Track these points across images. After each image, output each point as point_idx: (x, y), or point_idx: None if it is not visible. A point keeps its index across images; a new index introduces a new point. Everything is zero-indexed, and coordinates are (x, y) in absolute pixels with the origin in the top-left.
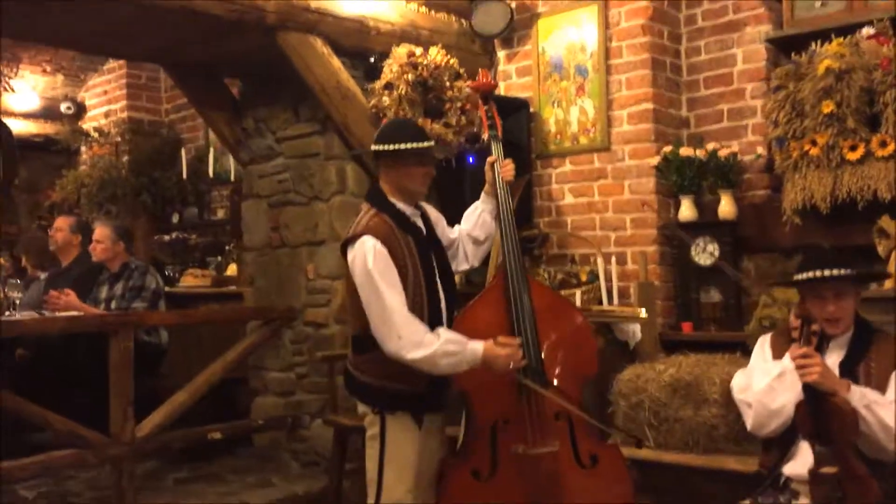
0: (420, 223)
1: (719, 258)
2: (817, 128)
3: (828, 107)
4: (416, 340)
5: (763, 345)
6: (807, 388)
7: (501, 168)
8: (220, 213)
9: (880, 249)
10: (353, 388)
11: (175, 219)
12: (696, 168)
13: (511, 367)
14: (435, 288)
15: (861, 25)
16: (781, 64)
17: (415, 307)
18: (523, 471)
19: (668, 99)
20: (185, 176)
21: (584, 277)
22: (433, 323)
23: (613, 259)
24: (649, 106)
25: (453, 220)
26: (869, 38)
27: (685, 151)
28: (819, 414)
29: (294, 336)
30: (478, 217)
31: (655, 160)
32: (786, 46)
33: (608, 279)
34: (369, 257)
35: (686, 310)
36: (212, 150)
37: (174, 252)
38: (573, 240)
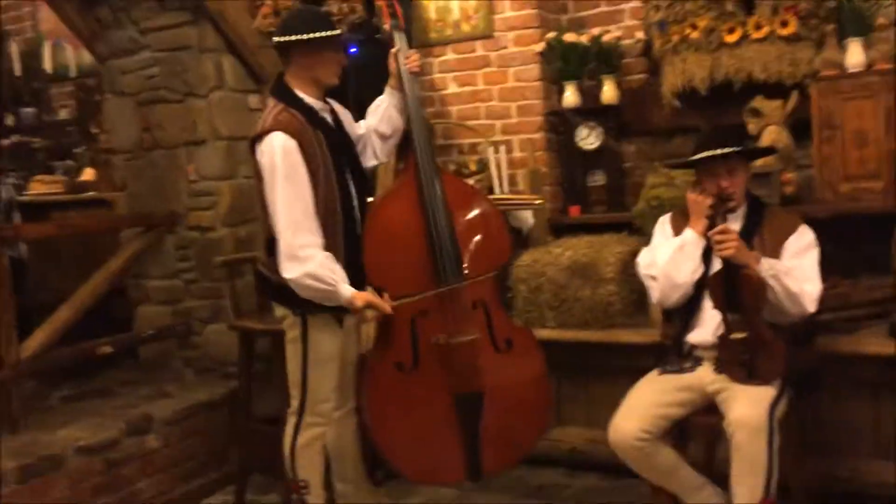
0: (329, 118)
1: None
2: (698, 11)
3: None
4: (288, 254)
5: (664, 224)
6: (723, 261)
7: (406, 60)
8: (63, 113)
9: (751, 128)
10: (271, 290)
11: (10, 121)
12: (579, 54)
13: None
14: (347, 184)
15: None
16: None
17: (328, 204)
18: (444, 359)
19: None
20: (17, 73)
21: (473, 167)
22: (347, 220)
23: (503, 148)
24: None
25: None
26: None
27: (569, 38)
28: (732, 285)
29: (178, 242)
30: (384, 112)
31: (540, 47)
32: None
33: (498, 168)
34: (278, 153)
35: (573, 194)
36: (45, 42)
37: (15, 158)
38: (459, 130)
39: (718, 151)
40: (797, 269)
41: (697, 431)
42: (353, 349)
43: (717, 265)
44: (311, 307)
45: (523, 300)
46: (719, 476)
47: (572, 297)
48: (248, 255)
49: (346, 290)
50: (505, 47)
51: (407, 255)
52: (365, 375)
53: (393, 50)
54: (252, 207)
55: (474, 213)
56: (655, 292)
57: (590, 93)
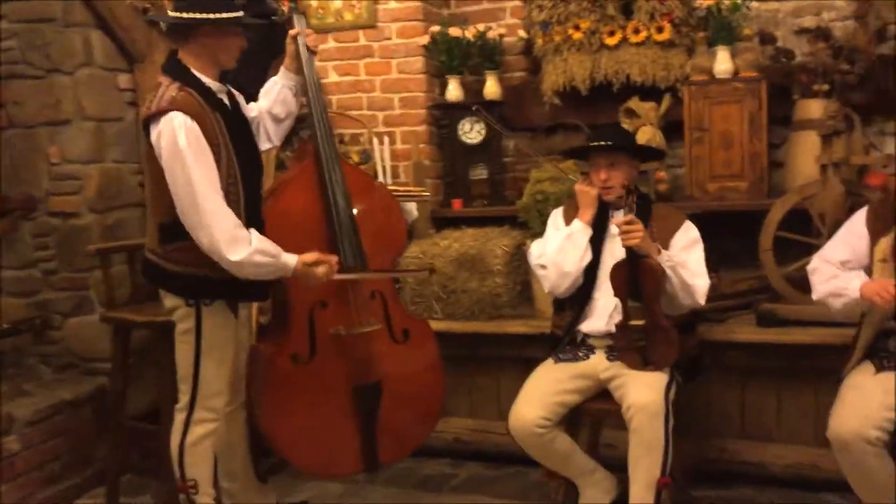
0: (226, 100)
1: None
2: (580, 13)
3: None
4: (234, 237)
5: (556, 216)
6: (627, 250)
7: (307, 41)
8: None
9: (625, 127)
10: (162, 280)
11: None
12: (463, 49)
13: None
14: (246, 169)
15: None
16: None
17: (230, 189)
18: (342, 351)
19: None
20: None
21: (356, 158)
22: (249, 207)
23: (387, 139)
24: None
25: None
26: None
27: (454, 32)
28: (633, 274)
29: (36, 228)
30: (278, 93)
31: (425, 39)
32: None
33: (382, 159)
34: (180, 135)
35: (455, 187)
36: None
37: None
38: (340, 119)
39: (600, 144)
40: (689, 263)
41: (586, 417)
42: (245, 341)
43: (610, 256)
44: (207, 295)
45: (411, 292)
46: (603, 459)
47: (460, 288)
48: (126, 243)
49: (290, 256)
50: (388, 38)
51: (307, 243)
52: (257, 368)
53: (292, 31)
54: (122, 193)
55: (374, 202)
56: (547, 282)
57: (471, 88)
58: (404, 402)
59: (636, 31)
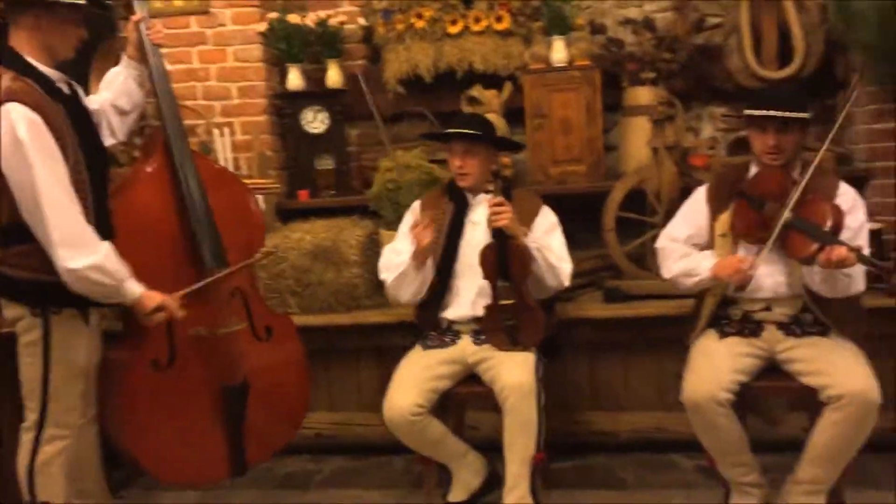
0: (66, 90)
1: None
2: (423, 2)
3: None
4: (69, 241)
5: (408, 217)
6: (496, 232)
7: (149, 29)
8: None
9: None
10: (2, 287)
11: None
12: (303, 36)
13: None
14: (95, 165)
15: None
16: None
17: (77, 186)
18: (204, 353)
19: None
20: None
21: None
22: (98, 208)
23: (227, 130)
24: None
25: None
26: None
27: (293, 19)
28: (502, 255)
29: None
30: (121, 85)
31: (262, 27)
32: None
33: (223, 151)
34: (21, 128)
35: (300, 178)
36: None
37: None
38: None
39: (454, 131)
40: (552, 247)
41: (453, 401)
42: (97, 350)
43: (468, 244)
44: (57, 303)
45: (264, 287)
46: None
47: (316, 281)
48: None
49: (134, 287)
50: (223, 25)
51: (161, 243)
52: (113, 378)
53: (134, 18)
54: None
55: (230, 195)
56: (388, 296)
57: (313, 76)
58: (271, 400)
59: (477, 20)
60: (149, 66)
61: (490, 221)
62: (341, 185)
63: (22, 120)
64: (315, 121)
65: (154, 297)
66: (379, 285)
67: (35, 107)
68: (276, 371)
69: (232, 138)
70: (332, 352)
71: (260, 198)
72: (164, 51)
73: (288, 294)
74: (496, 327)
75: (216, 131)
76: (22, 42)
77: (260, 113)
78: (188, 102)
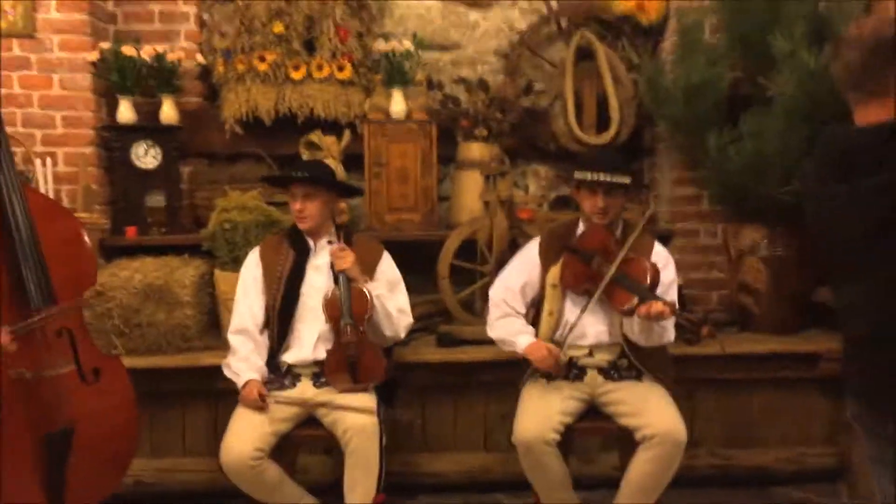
0: None
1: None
2: (267, 45)
3: (278, 27)
4: None
5: (250, 264)
6: (337, 276)
7: None
8: None
9: (304, 157)
10: None
11: None
12: (137, 69)
13: None
14: None
15: None
16: None
17: None
18: (26, 396)
19: None
20: None
21: None
22: None
23: (49, 161)
24: None
25: None
26: None
27: (128, 51)
28: (347, 296)
29: None
30: None
31: (94, 56)
32: None
33: (45, 182)
34: None
35: (128, 214)
36: None
37: None
38: None
39: (295, 175)
40: (396, 300)
41: (289, 444)
42: None
43: (311, 287)
44: None
45: (88, 328)
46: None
47: (146, 321)
48: None
49: None
50: (49, 50)
51: None
52: None
53: None
54: None
55: (61, 230)
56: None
57: (145, 110)
58: (96, 447)
59: (319, 68)
60: None
61: (335, 265)
62: (172, 222)
63: None
64: (147, 156)
65: None
66: (211, 326)
67: None
68: (103, 416)
69: (54, 169)
70: (158, 395)
71: None
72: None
73: (114, 335)
74: (338, 368)
75: (38, 161)
76: None
77: (86, 144)
78: (6, 129)
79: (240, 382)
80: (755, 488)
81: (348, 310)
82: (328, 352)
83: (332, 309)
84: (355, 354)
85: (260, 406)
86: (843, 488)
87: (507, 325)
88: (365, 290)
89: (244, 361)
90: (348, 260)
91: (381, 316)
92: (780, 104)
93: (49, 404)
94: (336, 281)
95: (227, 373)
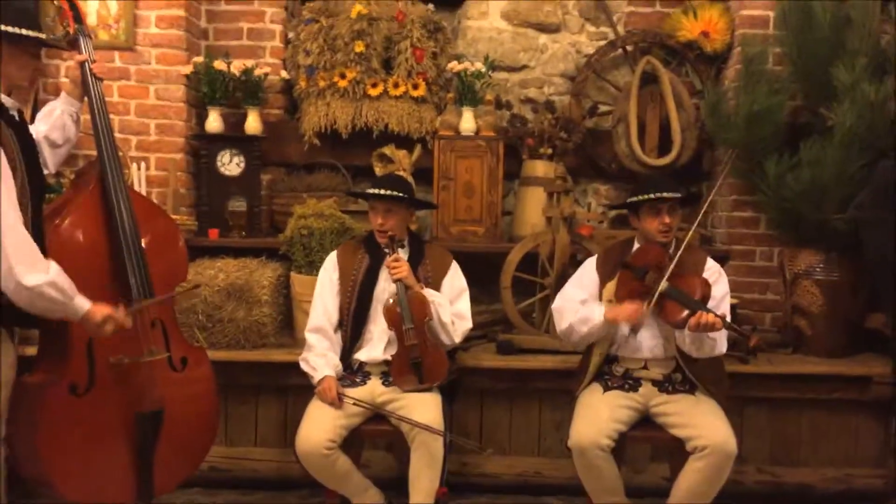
0: (17, 116)
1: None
2: (348, 63)
3: (359, 47)
4: (27, 259)
5: (328, 267)
6: (397, 284)
7: (93, 63)
8: None
9: (377, 170)
10: None
11: None
12: (226, 82)
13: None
14: (36, 192)
15: None
16: None
17: (20, 210)
18: (122, 380)
19: (194, 8)
20: None
21: None
22: (33, 232)
23: (143, 165)
24: (181, 13)
25: None
26: None
27: (219, 65)
28: (405, 303)
29: None
30: (57, 119)
31: (188, 69)
32: None
33: (138, 184)
34: None
35: (211, 217)
36: None
37: None
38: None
39: (380, 193)
40: (458, 308)
41: (359, 439)
42: (13, 369)
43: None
44: None
45: None
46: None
47: (226, 318)
48: None
49: (83, 302)
50: (147, 63)
51: (90, 269)
52: (28, 401)
53: (79, 57)
54: None
55: (159, 230)
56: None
57: (230, 120)
58: (182, 429)
59: (395, 86)
60: (91, 103)
61: (390, 275)
62: (251, 226)
63: None
64: (231, 163)
65: (102, 310)
66: (285, 325)
67: None
68: (188, 402)
69: (147, 173)
70: (233, 387)
71: None
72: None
73: (197, 328)
74: (403, 371)
75: (133, 165)
76: None
77: (177, 151)
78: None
79: (316, 377)
80: None
81: (409, 315)
82: (393, 356)
83: (393, 315)
84: (419, 356)
85: (336, 402)
86: None
87: (575, 314)
88: (424, 294)
89: (322, 357)
90: (403, 270)
91: (436, 324)
92: (839, 134)
93: (142, 387)
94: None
95: (304, 367)
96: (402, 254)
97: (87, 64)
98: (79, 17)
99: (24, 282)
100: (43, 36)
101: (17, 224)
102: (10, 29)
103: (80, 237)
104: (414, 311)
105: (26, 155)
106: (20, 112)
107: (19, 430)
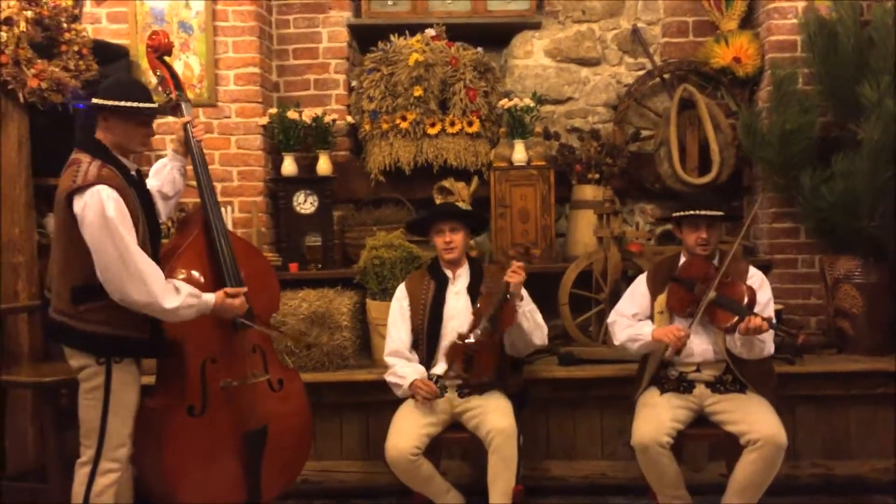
0: (136, 177)
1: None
2: (408, 106)
3: (418, 91)
4: (166, 288)
5: (399, 297)
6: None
7: (194, 129)
8: None
9: (438, 202)
10: (72, 339)
11: None
12: (299, 129)
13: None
14: (154, 238)
15: (423, 26)
16: (354, 46)
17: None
18: (231, 401)
19: (266, 64)
20: None
21: None
22: None
23: (229, 208)
24: (256, 70)
25: (57, 160)
26: (433, 38)
27: (293, 115)
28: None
29: None
30: (168, 174)
31: (264, 120)
32: (363, 32)
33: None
34: (109, 206)
35: (290, 252)
36: None
37: None
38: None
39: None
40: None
41: (440, 446)
42: (139, 395)
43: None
44: (119, 353)
45: None
46: None
47: (312, 343)
48: (28, 304)
49: (210, 295)
50: (228, 117)
51: None
52: (152, 424)
53: (182, 119)
54: None
55: (256, 266)
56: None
57: (302, 163)
58: (283, 445)
59: (452, 124)
60: (193, 159)
61: (513, 278)
62: (326, 259)
63: (109, 199)
64: (305, 203)
65: (221, 294)
66: (363, 348)
67: (118, 189)
68: (287, 419)
69: (232, 216)
70: (319, 406)
71: None
72: (170, 136)
73: (285, 354)
74: (455, 355)
75: (226, 209)
76: (105, 138)
77: (257, 194)
78: (193, 183)
79: (405, 384)
80: (854, 496)
81: (496, 317)
82: (457, 336)
83: (487, 302)
84: (474, 351)
85: (435, 391)
86: None
87: (630, 329)
88: (517, 307)
89: (408, 367)
90: (522, 276)
91: (531, 327)
92: (868, 147)
93: (248, 407)
94: (473, 300)
95: (391, 380)
96: (462, 273)
97: (188, 126)
98: (179, 85)
99: (167, 306)
100: (141, 105)
101: (147, 263)
102: (117, 104)
103: (190, 277)
104: (504, 315)
105: (145, 208)
106: (138, 171)
107: (144, 451)
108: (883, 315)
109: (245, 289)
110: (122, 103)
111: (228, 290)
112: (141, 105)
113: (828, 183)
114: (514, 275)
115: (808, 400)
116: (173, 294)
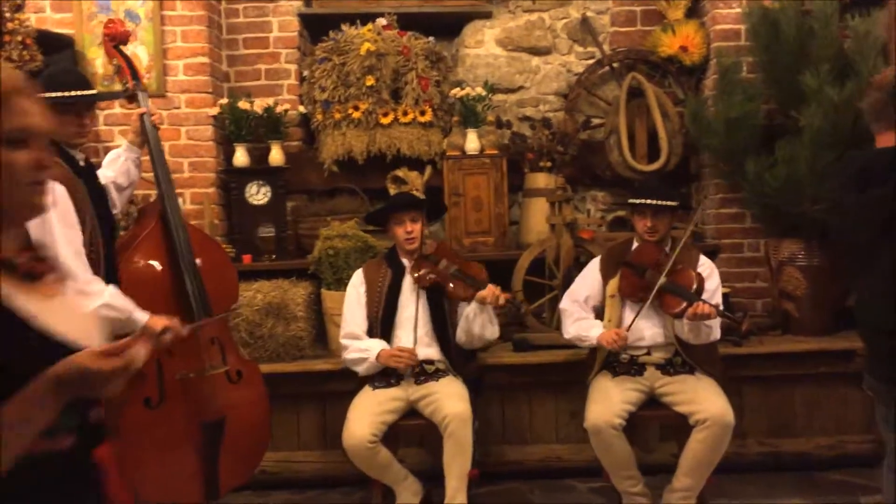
0: (86, 167)
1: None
2: (360, 96)
3: (370, 81)
4: (85, 291)
5: (355, 283)
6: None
7: (152, 117)
8: None
9: (391, 192)
10: None
11: None
12: (250, 120)
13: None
14: (107, 229)
15: (374, 15)
16: (305, 36)
17: (92, 248)
18: (188, 393)
19: (216, 54)
20: None
21: None
22: (108, 265)
23: (179, 200)
24: (205, 60)
25: None
26: (384, 27)
27: (244, 105)
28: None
29: None
30: (122, 165)
31: (215, 110)
32: (314, 22)
33: None
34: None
35: (243, 244)
36: None
37: None
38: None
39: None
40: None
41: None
42: None
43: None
44: None
45: None
46: None
47: (267, 333)
48: None
49: (142, 315)
50: (178, 107)
51: (157, 293)
52: (109, 415)
53: (139, 110)
54: None
55: (213, 257)
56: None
57: (255, 154)
58: (241, 436)
59: (405, 113)
60: (150, 149)
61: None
62: (280, 250)
63: (50, 191)
64: (258, 194)
65: (161, 321)
66: (319, 338)
67: (63, 181)
68: (245, 410)
69: (184, 207)
70: (276, 397)
71: None
72: (119, 128)
73: (241, 345)
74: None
75: None
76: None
77: (209, 186)
78: (144, 174)
79: (371, 356)
80: (800, 473)
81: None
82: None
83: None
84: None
85: (410, 352)
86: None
87: (579, 326)
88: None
89: (366, 342)
90: (492, 299)
91: (485, 320)
92: (809, 134)
93: (206, 399)
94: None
95: (353, 356)
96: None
97: (145, 116)
98: (136, 75)
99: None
100: (54, 95)
101: (74, 261)
102: (52, 95)
103: (147, 267)
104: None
105: (94, 198)
106: (87, 160)
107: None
108: (826, 296)
109: (177, 321)
110: (48, 94)
111: (159, 323)
112: (53, 95)
113: (771, 169)
114: (490, 295)
115: (754, 380)
116: (86, 299)
